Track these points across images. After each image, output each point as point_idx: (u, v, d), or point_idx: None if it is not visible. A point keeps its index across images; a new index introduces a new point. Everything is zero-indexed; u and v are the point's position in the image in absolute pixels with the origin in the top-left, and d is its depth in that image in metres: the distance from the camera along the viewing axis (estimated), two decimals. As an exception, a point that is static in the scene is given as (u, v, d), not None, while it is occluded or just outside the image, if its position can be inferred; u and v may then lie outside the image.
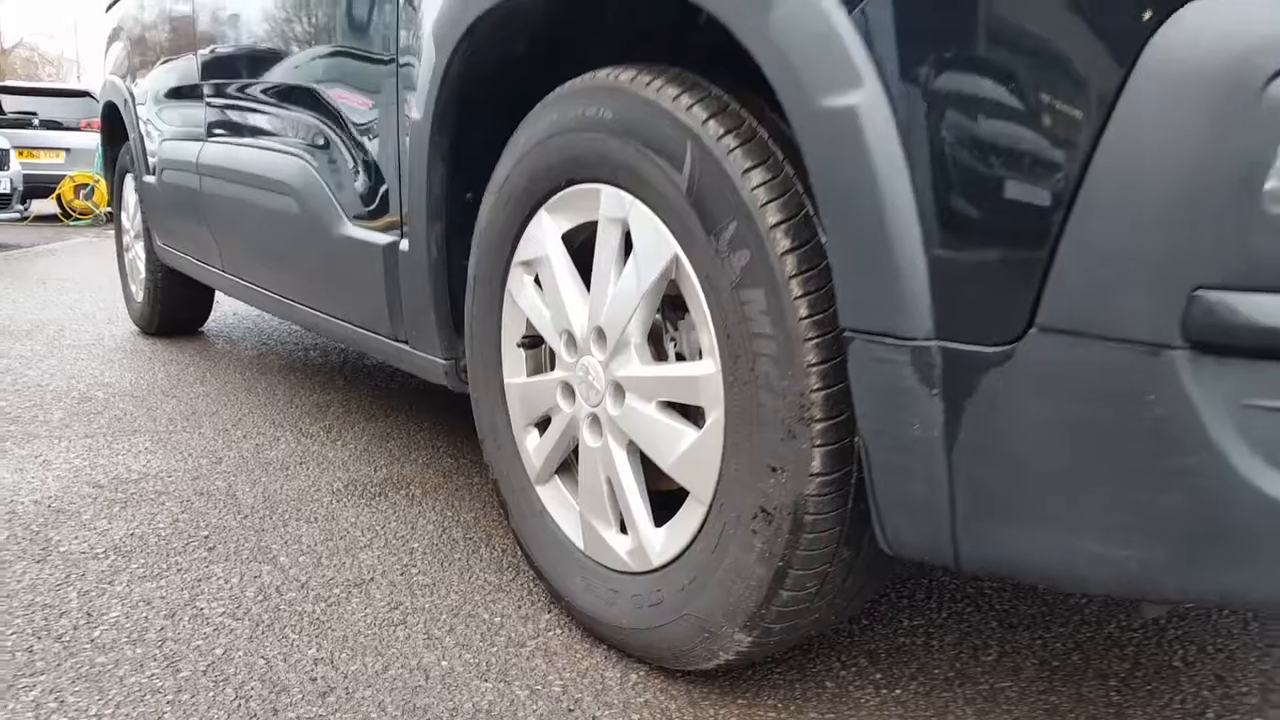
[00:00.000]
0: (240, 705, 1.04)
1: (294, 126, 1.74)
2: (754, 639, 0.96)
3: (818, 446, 0.84)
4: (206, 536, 1.52)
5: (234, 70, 2.01)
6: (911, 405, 0.75)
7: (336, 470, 1.86)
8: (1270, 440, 0.64)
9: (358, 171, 1.53)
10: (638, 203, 1.00)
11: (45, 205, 10.26)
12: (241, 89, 1.99)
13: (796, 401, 0.85)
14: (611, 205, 1.04)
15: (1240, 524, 0.66)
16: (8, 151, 7.87)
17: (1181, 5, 0.61)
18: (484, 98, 1.27)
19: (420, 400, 2.41)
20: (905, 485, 0.78)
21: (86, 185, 10.61)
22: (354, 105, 1.51)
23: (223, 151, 2.11)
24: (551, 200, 1.14)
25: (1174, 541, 0.68)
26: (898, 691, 1.06)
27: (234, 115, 2.06)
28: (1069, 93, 0.65)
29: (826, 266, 0.82)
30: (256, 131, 1.92)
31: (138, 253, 3.32)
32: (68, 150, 10.91)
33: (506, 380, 1.28)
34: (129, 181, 3.36)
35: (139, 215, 3.23)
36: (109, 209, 10.73)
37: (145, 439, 2.08)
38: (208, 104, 2.21)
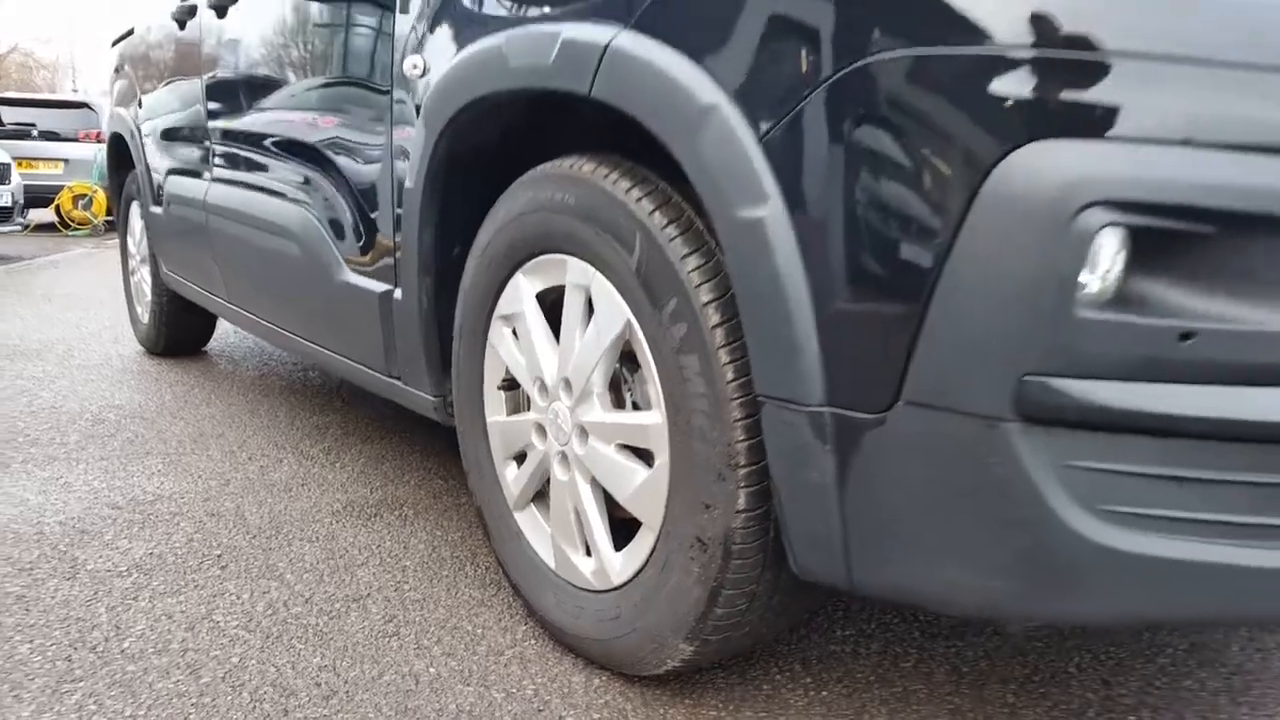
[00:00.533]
0: (255, 707, 1.20)
1: (298, 179, 1.91)
2: (695, 649, 1.12)
3: (742, 487, 1.01)
4: (219, 555, 1.69)
5: (241, 120, 2.17)
6: (810, 458, 0.92)
7: (335, 492, 2.02)
8: (1087, 492, 0.81)
9: (357, 226, 1.69)
10: (598, 275, 1.17)
11: (43, 214, 10.39)
12: (246, 138, 2.15)
13: (725, 450, 1.02)
14: (576, 275, 1.21)
15: (1067, 561, 0.82)
16: (9, 165, 8.02)
17: (1015, 150, 0.78)
18: (468, 169, 1.44)
19: (412, 424, 2.57)
20: (808, 522, 0.95)
21: (85, 196, 10.75)
22: (354, 167, 1.67)
23: (229, 193, 2.27)
24: (526, 265, 1.31)
25: (1019, 574, 0.85)
26: (824, 693, 1.23)
27: (239, 161, 2.22)
28: (927, 213, 0.82)
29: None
30: (261, 178, 2.09)
31: (143, 276, 3.48)
32: (66, 161, 11.04)
33: (488, 418, 1.45)
34: (135, 208, 3.52)
35: (144, 241, 3.39)
36: (107, 219, 10.85)
37: (157, 461, 2.24)
38: (213, 148, 2.37)
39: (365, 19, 1.59)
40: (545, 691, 1.23)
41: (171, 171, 2.81)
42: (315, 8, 1.76)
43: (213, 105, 2.34)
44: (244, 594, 1.53)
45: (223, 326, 4.03)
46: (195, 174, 2.55)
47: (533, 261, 1.30)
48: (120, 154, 3.56)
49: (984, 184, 0.79)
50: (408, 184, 1.48)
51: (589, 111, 1.14)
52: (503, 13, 1.25)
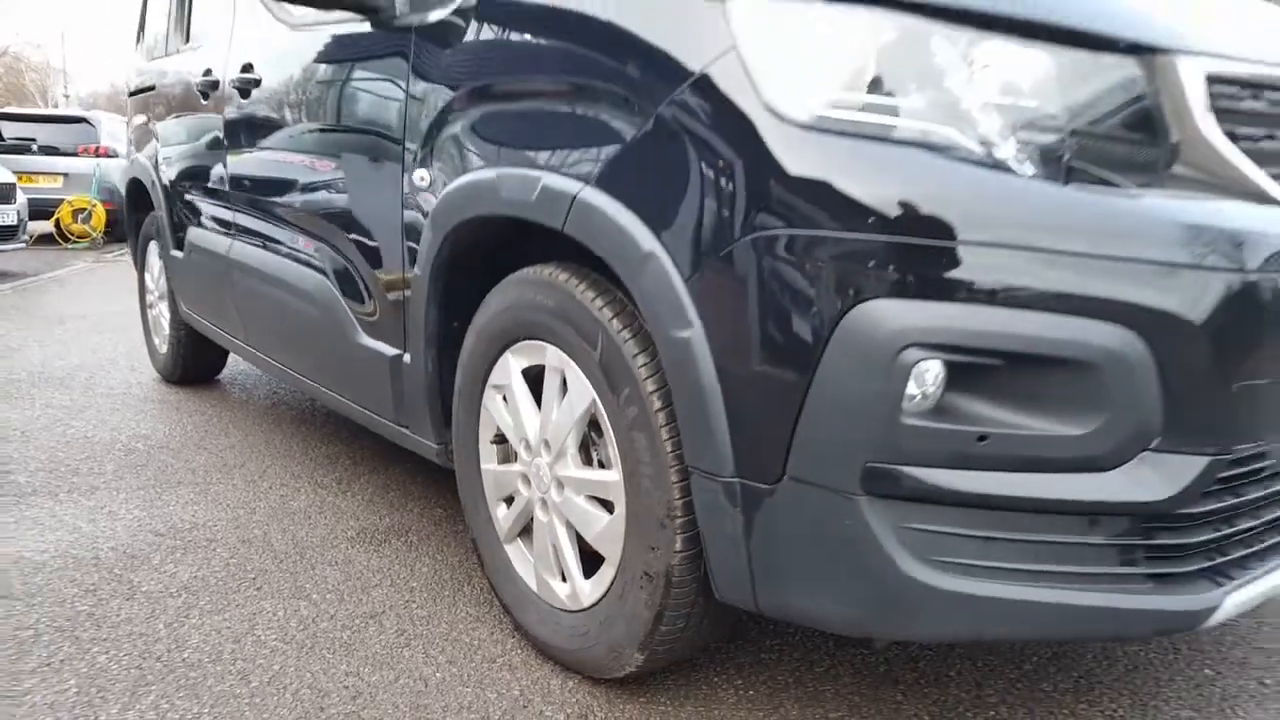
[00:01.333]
0: (297, 705, 1.51)
1: (317, 251, 2.21)
2: (646, 658, 1.43)
3: (679, 534, 1.32)
4: (254, 578, 1.99)
5: (263, 192, 2.47)
6: (725, 515, 1.24)
7: (348, 519, 2.33)
8: (917, 546, 1.13)
9: (373, 299, 2.00)
10: (570, 361, 1.48)
11: (42, 225, 10.61)
12: (269, 209, 2.45)
13: (665, 505, 1.33)
14: (554, 359, 1.52)
15: (904, 596, 1.14)
16: (13, 185, 8.26)
17: (858, 304, 1.10)
18: (466, 261, 1.74)
19: (412, 457, 2.86)
20: (725, 562, 1.26)
21: (84, 210, 11.00)
22: (370, 250, 1.97)
23: (252, 252, 2.57)
24: (514, 346, 1.62)
25: (871, 605, 1.16)
26: (750, 692, 1.54)
27: (263, 226, 2.52)
28: (800, 346, 1.13)
29: (682, 423, 1.30)
30: (283, 244, 2.39)
31: (161, 311, 3.77)
32: (65, 175, 11.28)
33: (483, 465, 1.76)
34: (153, 248, 3.81)
35: (163, 279, 3.68)
36: (105, 232, 11.04)
37: (189, 490, 2.54)
38: (237, 211, 2.67)
39: (380, 129, 1.89)
40: (529, 692, 1.54)
41: (193, 223, 3.11)
42: (336, 107, 2.07)
43: (235, 173, 2.64)
44: (279, 611, 1.83)
45: (234, 357, 4.32)
46: (218, 230, 2.85)
47: (519, 344, 1.61)
48: (139, 197, 3.85)
49: (837, 327, 1.10)
50: (417, 271, 1.79)
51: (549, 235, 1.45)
52: (494, 152, 1.56)
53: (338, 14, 2.02)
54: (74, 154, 11.47)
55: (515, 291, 1.59)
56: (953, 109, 1.12)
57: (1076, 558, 1.12)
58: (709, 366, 1.21)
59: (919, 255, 1.08)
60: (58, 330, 5.05)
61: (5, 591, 1.92)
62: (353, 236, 2.03)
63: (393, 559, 2.09)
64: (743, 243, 1.17)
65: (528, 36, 1.51)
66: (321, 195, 2.14)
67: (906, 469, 1.11)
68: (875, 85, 1.14)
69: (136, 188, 3.81)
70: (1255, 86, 1.18)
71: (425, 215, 1.75)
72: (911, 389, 1.09)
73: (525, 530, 1.70)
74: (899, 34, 1.13)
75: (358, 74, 1.98)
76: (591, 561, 1.54)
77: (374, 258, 1.97)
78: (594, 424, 1.51)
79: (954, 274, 1.07)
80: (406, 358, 1.91)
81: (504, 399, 1.68)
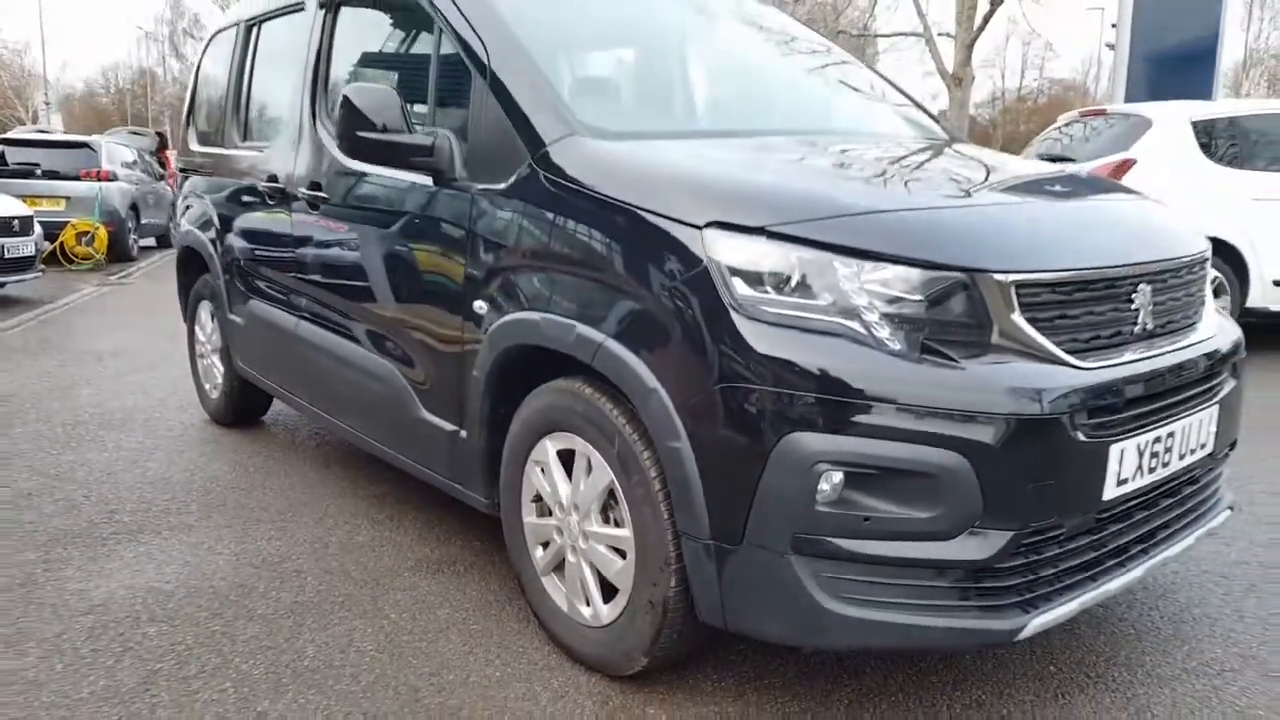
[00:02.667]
0: (398, 698, 2.11)
1: (387, 343, 2.79)
2: (649, 661, 2.05)
3: (674, 575, 1.94)
4: (342, 601, 2.59)
5: (335, 288, 3.05)
6: (704, 564, 1.85)
7: (405, 552, 2.92)
8: (830, 587, 1.74)
9: (437, 388, 2.59)
10: (595, 450, 2.09)
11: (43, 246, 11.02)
12: (337, 305, 3.03)
13: (664, 555, 1.94)
14: (582, 447, 2.13)
15: (821, 619, 1.76)
16: (31, 218, 8.74)
17: (788, 434, 1.71)
18: (513, 368, 2.34)
19: (449, 497, 3.46)
20: (705, 595, 1.88)
21: (87, 232, 11.46)
22: (435, 352, 2.57)
23: (322, 334, 3.14)
24: (551, 434, 2.22)
25: (800, 625, 1.78)
26: (723, 684, 2.16)
27: (332, 314, 3.09)
28: (750, 461, 1.74)
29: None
30: (353, 333, 2.97)
31: (214, 362, 4.33)
32: (68, 198, 11.74)
33: (524, 518, 2.36)
34: (205, 306, 4.36)
35: (215, 336, 4.24)
36: (106, 253, 11.43)
37: (268, 527, 3.12)
38: (306, 300, 3.25)
39: (446, 262, 2.49)
40: (565, 685, 2.16)
41: (254, 297, 3.68)
42: (404, 234, 2.66)
43: (305, 268, 3.22)
44: (368, 628, 2.43)
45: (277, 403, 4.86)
46: (283, 308, 3.42)
47: (554, 433, 2.22)
48: (190, 262, 4.41)
49: (774, 448, 1.72)
50: (475, 373, 2.39)
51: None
52: (539, 301, 2.17)
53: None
54: (76, 178, 11.93)
55: (552, 396, 2.20)
56: (848, 307, 1.75)
57: (929, 595, 1.75)
58: (693, 466, 1.83)
59: (826, 405, 1.70)
60: (99, 369, 5.57)
61: (152, 616, 2.51)
62: (419, 338, 2.63)
63: (447, 584, 2.69)
64: (715, 389, 1.79)
65: (569, 221, 2.12)
66: (393, 303, 2.73)
67: (820, 537, 1.73)
68: (799, 291, 1.76)
69: (190, 254, 4.37)
70: (1047, 286, 1.82)
71: (479, 334, 2.36)
72: (822, 487, 1.71)
73: (557, 567, 2.31)
74: (814, 259, 1.76)
75: (424, 214, 2.57)
76: (608, 591, 2.15)
77: (438, 358, 2.56)
78: (611, 494, 2.12)
79: (846, 417, 1.70)
80: (463, 433, 2.51)
81: (542, 470, 2.28)
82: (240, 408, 4.27)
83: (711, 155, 2.20)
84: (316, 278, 3.16)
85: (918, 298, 1.75)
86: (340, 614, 2.51)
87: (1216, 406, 2.15)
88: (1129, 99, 10.21)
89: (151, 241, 14.15)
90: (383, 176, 2.74)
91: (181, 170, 4.56)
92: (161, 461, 3.83)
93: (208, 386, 4.46)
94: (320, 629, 2.43)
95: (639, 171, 2.06)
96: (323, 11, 3.22)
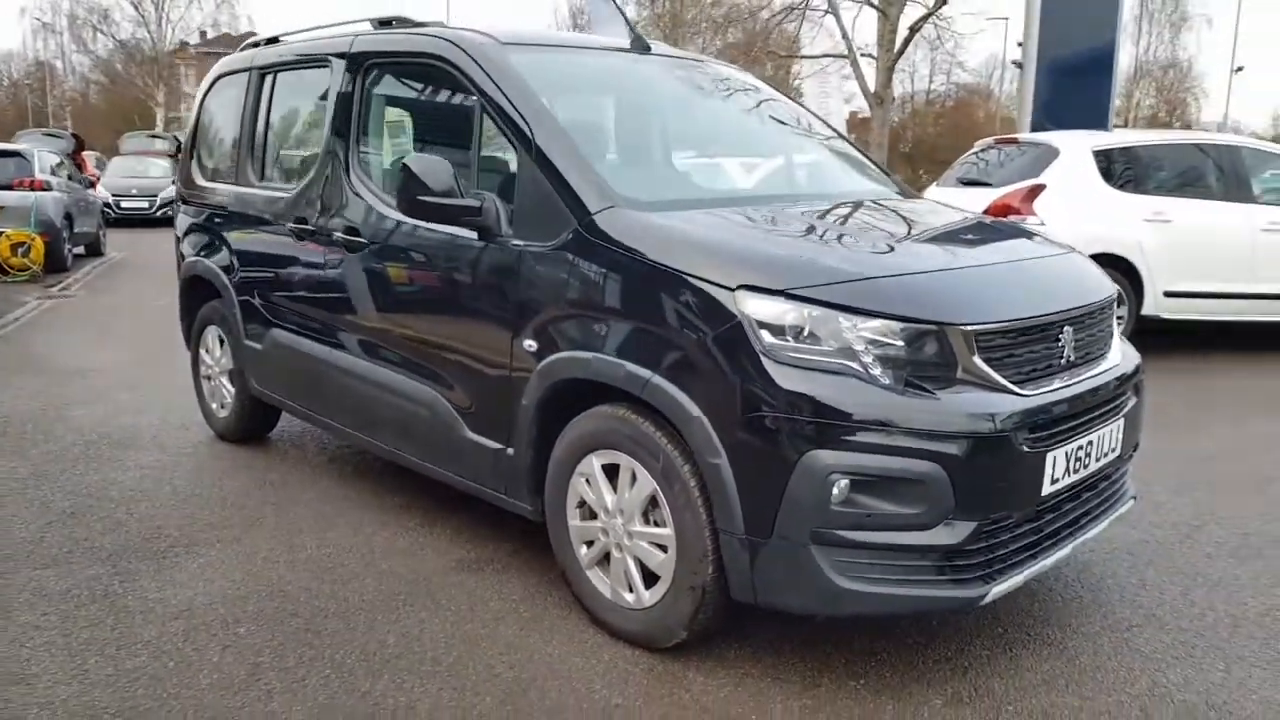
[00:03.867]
0: (477, 673, 2.54)
1: (431, 373, 3.18)
2: (687, 634, 2.53)
3: (711, 563, 2.42)
4: (403, 598, 2.99)
5: (376, 320, 3.43)
6: (738, 554, 2.34)
7: (445, 554, 3.33)
8: (839, 568, 2.25)
9: (483, 412, 3.01)
10: (639, 465, 2.56)
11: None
12: (381, 335, 3.41)
13: (703, 548, 2.42)
14: (627, 463, 2.59)
15: (834, 593, 2.27)
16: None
17: (809, 451, 2.22)
18: (560, 397, 2.78)
19: (472, 502, 3.86)
20: (739, 579, 2.37)
21: (23, 243, 11.32)
22: (481, 380, 2.99)
23: (359, 363, 3.51)
24: (597, 451, 2.68)
25: (817, 597, 2.29)
26: (744, 652, 2.65)
27: (370, 346, 3.47)
28: (778, 474, 2.24)
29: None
30: (395, 362, 3.35)
31: (222, 383, 4.62)
32: (1, 209, 11.55)
33: (569, 522, 2.81)
34: (212, 331, 4.65)
35: (224, 359, 4.55)
36: (43, 264, 11.31)
37: (310, 537, 3.49)
38: (340, 331, 3.62)
39: (494, 306, 2.91)
40: (615, 658, 2.62)
41: (276, 325, 4.01)
42: (450, 281, 3.07)
43: (338, 302, 3.59)
44: (434, 619, 2.85)
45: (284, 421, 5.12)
46: (313, 337, 3.77)
47: (599, 450, 2.67)
48: (195, 289, 4.70)
49: (798, 463, 2.22)
50: (524, 401, 2.83)
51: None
52: (592, 342, 2.62)
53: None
54: (8, 187, 11.74)
55: (598, 420, 2.66)
56: (848, 350, 2.26)
57: (915, 572, 2.27)
58: (730, 477, 2.32)
59: (836, 428, 2.21)
60: (81, 388, 5.74)
61: (237, 618, 2.88)
62: (466, 369, 3.04)
63: (491, 580, 3.12)
64: (748, 416, 2.28)
65: (615, 278, 2.58)
66: (438, 338, 3.14)
67: (833, 531, 2.24)
68: (811, 339, 2.27)
69: (197, 283, 4.66)
70: (997, 333, 2.36)
71: (530, 368, 2.80)
72: (835, 492, 2.22)
73: (600, 561, 2.77)
74: (822, 315, 2.27)
75: (471, 264, 2.99)
76: (648, 579, 2.62)
77: (484, 386, 2.99)
78: (652, 500, 2.58)
79: (853, 437, 2.21)
80: (510, 451, 2.94)
81: (587, 481, 2.74)
82: (250, 426, 4.59)
83: (734, 227, 2.69)
84: (354, 312, 3.53)
85: (901, 344, 2.28)
86: (405, 608, 2.92)
87: (1123, 419, 2.74)
88: (1036, 111, 11.11)
89: (80, 250, 13.96)
90: (426, 229, 3.14)
91: (184, 202, 4.84)
92: (187, 479, 4.14)
93: (214, 406, 4.75)
94: (392, 621, 2.84)
95: (677, 240, 2.53)
96: (351, 73, 3.58)
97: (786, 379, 2.25)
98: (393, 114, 3.59)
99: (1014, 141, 7.81)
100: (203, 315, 4.73)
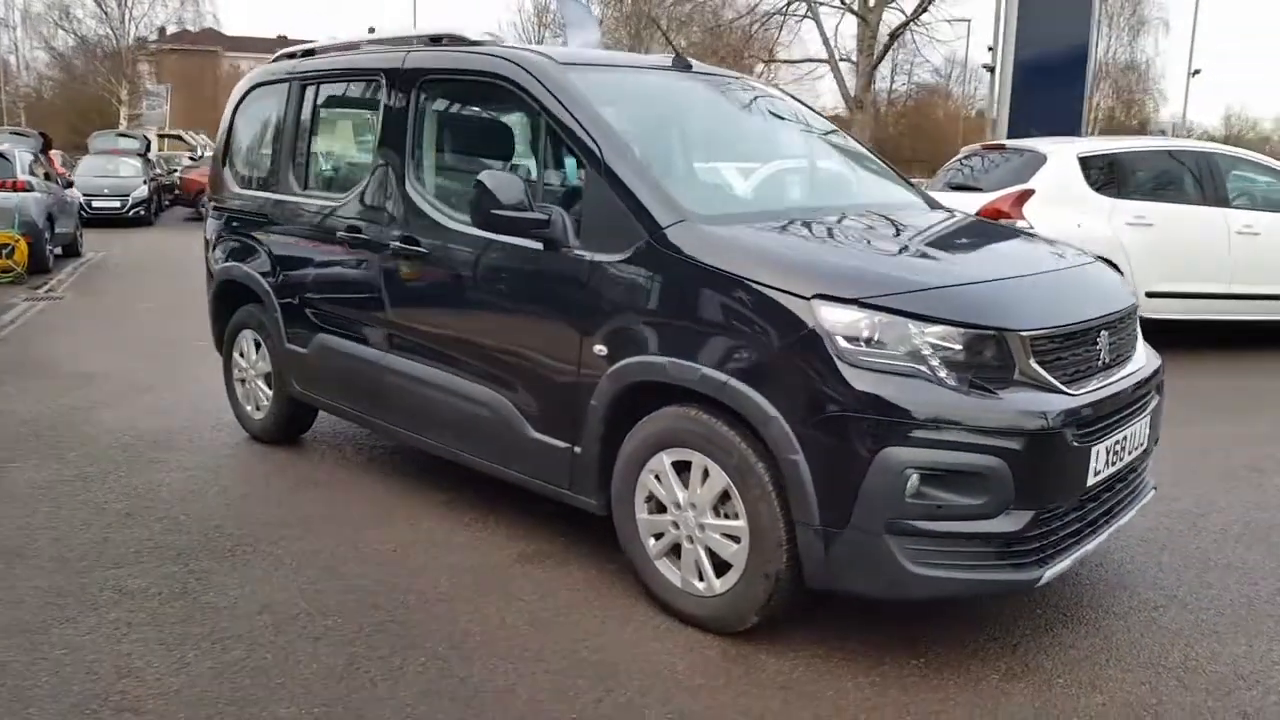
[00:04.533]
0: (564, 657, 2.71)
1: (494, 376, 3.33)
2: (758, 618, 2.72)
3: (786, 552, 2.62)
4: (476, 588, 3.15)
5: (436, 327, 3.57)
6: (814, 544, 2.54)
7: (504, 547, 3.49)
8: (911, 555, 2.46)
9: (549, 413, 3.17)
10: (712, 462, 2.74)
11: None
12: (442, 340, 3.54)
13: (777, 537, 2.62)
14: (699, 460, 2.78)
15: (905, 578, 2.47)
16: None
17: (884, 448, 2.42)
18: (629, 398, 2.96)
19: (516, 497, 4.01)
20: (814, 567, 2.56)
21: (7, 245, 11.22)
22: (547, 383, 3.15)
23: (417, 366, 3.65)
24: (668, 449, 2.86)
25: (889, 583, 2.50)
26: (808, 635, 2.84)
27: (429, 350, 3.59)
28: (857, 468, 2.44)
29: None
30: (457, 366, 3.49)
31: (259, 386, 4.73)
32: (-15, 210, 11.43)
33: (637, 516, 2.99)
34: (247, 335, 4.75)
35: (261, 361, 4.65)
36: (27, 266, 11.22)
37: (375, 532, 3.63)
38: (394, 332, 3.75)
39: (561, 313, 3.07)
40: (690, 641, 2.80)
41: (326, 330, 4.13)
42: (516, 289, 3.23)
43: (396, 308, 3.72)
44: (510, 608, 3.01)
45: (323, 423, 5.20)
46: (366, 341, 3.90)
47: (670, 448, 2.86)
48: (230, 295, 4.79)
49: (874, 459, 2.43)
50: (593, 402, 3.00)
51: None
52: (666, 347, 2.79)
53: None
54: (-10, 188, 11.62)
55: (670, 420, 2.84)
56: (916, 354, 2.47)
57: (978, 557, 2.48)
58: (807, 472, 2.51)
59: (907, 426, 2.41)
60: (99, 391, 5.78)
61: (321, 611, 3.01)
62: (531, 372, 3.21)
63: (554, 571, 3.29)
64: (822, 417, 2.48)
65: (690, 287, 2.76)
66: (503, 343, 3.29)
67: (906, 521, 2.44)
68: (879, 345, 2.47)
69: (232, 288, 4.75)
70: (1048, 338, 2.58)
71: (599, 371, 2.97)
72: (908, 486, 2.43)
73: (669, 552, 2.95)
74: (892, 321, 2.47)
75: (538, 274, 3.15)
76: (718, 568, 2.80)
77: (550, 389, 3.16)
78: (724, 494, 2.77)
79: (925, 435, 2.41)
80: (577, 449, 3.11)
81: (656, 477, 2.92)
82: (287, 428, 4.70)
83: (800, 240, 2.90)
84: (412, 317, 3.67)
85: (964, 348, 2.49)
86: (481, 599, 3.08)
87: (1148, 415, 2.98)
88: (1014, 113, 11.46)
89: (59, 251, 13.82)
90: (488, 239, 3.29)
91: (216, 208, 4.93)
92: (234, 480, 4.25)
93: (248, 408, 4.85)
94: (472, 611, 3.00)
95: (749, 252, 2.72)
96: (405, 87, 3.71)
97: (861, 381, 2.45)
98: (459, 131, 3.73)
99: (1001, 148, 8.10)
100: (237, 320, 4.82)
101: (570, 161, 3.17)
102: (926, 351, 2.47)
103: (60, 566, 3.31)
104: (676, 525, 2.89)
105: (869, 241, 3.02)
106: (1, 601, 3.04)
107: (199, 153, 26.17)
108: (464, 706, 2.50)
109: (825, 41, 18.34)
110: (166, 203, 22.49)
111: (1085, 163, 7.30)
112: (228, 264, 4.77)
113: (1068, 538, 2.65)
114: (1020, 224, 6.77)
